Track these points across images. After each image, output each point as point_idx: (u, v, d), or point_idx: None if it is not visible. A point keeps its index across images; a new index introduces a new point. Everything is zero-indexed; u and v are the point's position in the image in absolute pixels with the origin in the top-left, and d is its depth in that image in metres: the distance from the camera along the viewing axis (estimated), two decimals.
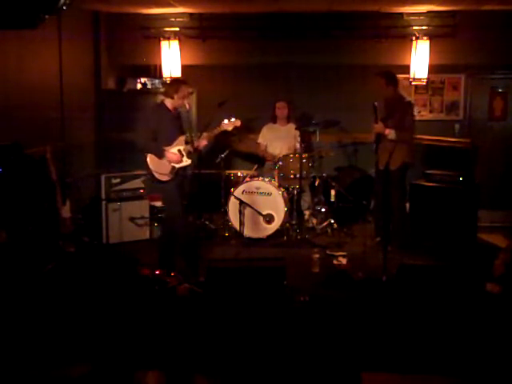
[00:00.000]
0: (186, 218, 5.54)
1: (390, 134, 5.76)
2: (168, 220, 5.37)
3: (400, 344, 3.76)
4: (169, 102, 5.21)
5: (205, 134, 5.35)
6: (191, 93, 6.31)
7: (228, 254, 5.89)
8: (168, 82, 6.93)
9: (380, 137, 5.87)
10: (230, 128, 5.41)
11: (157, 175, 5.18)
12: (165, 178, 5.19)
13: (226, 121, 5.39)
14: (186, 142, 5.21)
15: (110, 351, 3.75)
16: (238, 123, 5.43)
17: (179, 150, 5.14)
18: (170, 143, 5.16)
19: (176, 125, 5.26)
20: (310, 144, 6.88)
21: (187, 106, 5.26)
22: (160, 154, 5.15)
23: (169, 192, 5.24)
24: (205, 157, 5.97)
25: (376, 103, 5.72)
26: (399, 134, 5.76)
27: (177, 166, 5.18)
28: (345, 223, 6.76)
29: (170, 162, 5.16)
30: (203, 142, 5.32)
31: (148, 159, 5.16)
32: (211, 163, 6.53)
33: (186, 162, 5.21)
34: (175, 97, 5.16)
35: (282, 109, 6.99)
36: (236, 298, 4.24)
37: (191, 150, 5.20)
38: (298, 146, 6.68)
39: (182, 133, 5.27)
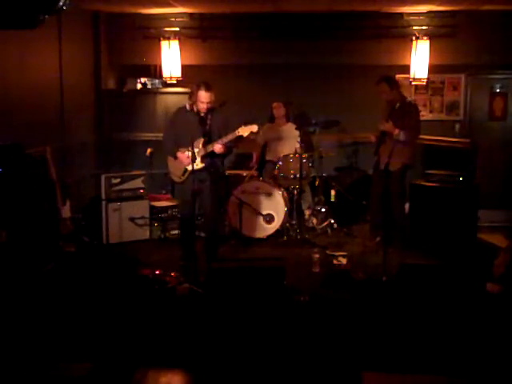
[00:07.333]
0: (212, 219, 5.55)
1: (400, 134, 5.76)
2: (180, 220, 5.80)
3: (400, 344, 3.77)
4: (191, 105, 5.29)
5: (219, 140, 5.21)
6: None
7: (228, 254, 5.89)
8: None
9: (384, 136, 5.87)
10: (246, 133, 5.23)
11: (172, 176, 5.50)
12: (177, 180, 5.45)
13: (242, 126, 5.22)
14: (203, 145, 5.24)
15: (110, 351, 3.76)
16: (255, 129, 5.25)
17: (192, 153, 5.05)
18: (187, 145, 5.14)
19: (196, 127, 5.22)
20: (310, 144, 6.87)
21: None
22: (173, 155, 5.36)
23: (181, 193, 5.58)
24: None
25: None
26: (407, 134, 5.75)
27: (188, 168, 5.21)
28: (345, 223, 6.76)
29: (180, 162, 5.31)
30: (217, 147, 5.18)
31: (168, 159, 5.44)
32: None
33: (197, 165, 5.13)
34: (192, 100, 5.24)
35: (277, 109, 6.98)
36: (236, 298, 4.24)
37: (204, 153, 5.22)
38: (297, 145, 6.67)
39: (204, 136, 5.25)
